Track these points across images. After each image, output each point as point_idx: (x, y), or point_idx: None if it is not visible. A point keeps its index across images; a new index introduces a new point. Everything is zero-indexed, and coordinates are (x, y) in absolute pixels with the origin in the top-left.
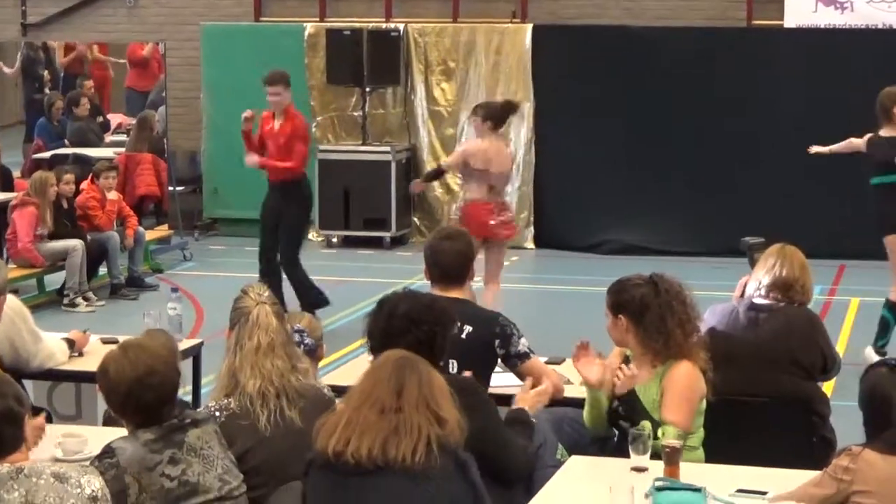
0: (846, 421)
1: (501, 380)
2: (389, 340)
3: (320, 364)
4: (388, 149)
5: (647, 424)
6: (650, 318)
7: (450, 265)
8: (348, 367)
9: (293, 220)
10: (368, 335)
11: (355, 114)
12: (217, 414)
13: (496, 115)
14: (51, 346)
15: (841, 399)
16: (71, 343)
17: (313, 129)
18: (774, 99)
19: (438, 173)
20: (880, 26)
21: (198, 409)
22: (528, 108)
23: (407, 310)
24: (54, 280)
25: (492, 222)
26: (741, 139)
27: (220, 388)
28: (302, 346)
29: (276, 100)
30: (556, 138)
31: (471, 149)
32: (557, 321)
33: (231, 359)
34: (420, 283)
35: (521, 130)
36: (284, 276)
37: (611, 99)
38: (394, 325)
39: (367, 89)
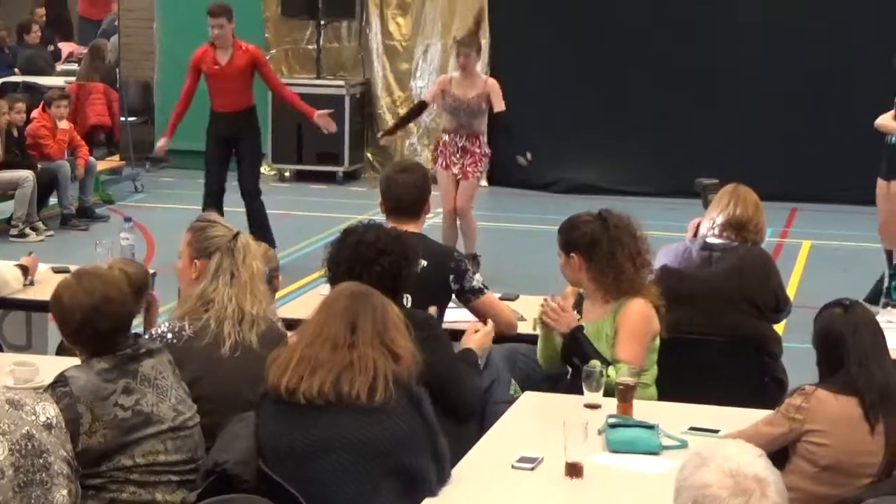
0: (796, 363)
1: (455, 315)
2: (355, 269)
3: (278, 294)
4: (342, 83)
5: (596, 362)
6: (600, 253)
7: (405, 198)
8: (301, 300)
9: (255, 150)
10: (332, 264)
11: (309, 47)
12: (169, 336)
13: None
14: (3, 273)
15: (791, 341)
16: (24, 270)
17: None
18: (731, 33)
19: (421, 108)
20: None
21: (148, 332)
22: (483, 45)
23: (374, 239)
24: (3, 209)
25: None
26: (697, 76)
27: (182, 313)
28: None
29: (220, 32)
30: (511, 76)
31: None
32: (511, 259)
33: (207, 285)
34: (373, 217)
35: (476, 68)
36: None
37: (567, 35)
38: (361, 254)
39: (322, 22)
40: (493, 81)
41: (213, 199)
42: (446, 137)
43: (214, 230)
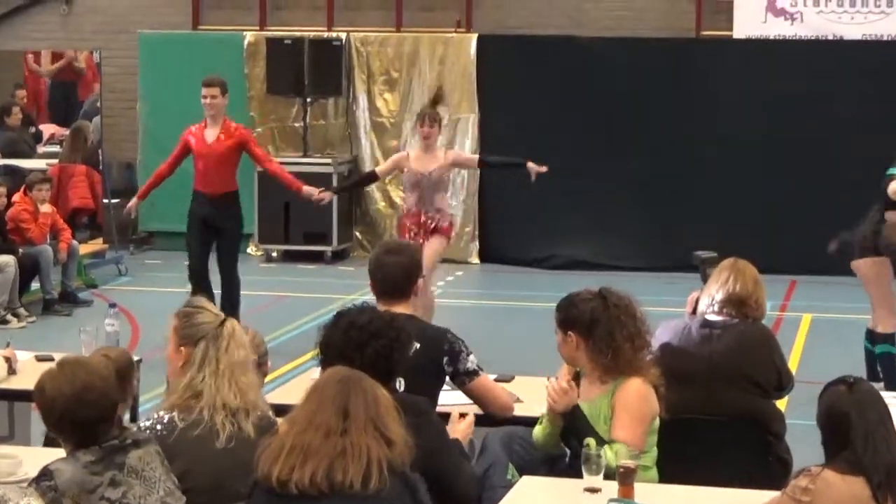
0: (800, 441)
1: (450, 398)
2: (347, 352)
3: (267, 379)
4: (329, 161)
5: (591, 441)
6: (599, 332)
7: (394, 279)
8: (291, 384)
9: (235, 236)
10: (324, 347)
11: (296, 125)
12: (158, 428)
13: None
14: None
15: (794, 418)
16: (7, 360)
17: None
18: (725, 111)
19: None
20: (830, 37)
21: (136, 424)
22: (472, 119)
23: (366, 322)
24: None
25: None
26: (691, 152)
27: (171, 404)
28: None
29: (213, 102)
30: (501, 151)
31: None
32: (505, 338)
33: (195, 374)
34: (363, 298)
35: (465, 142)
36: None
37: (558, 110)
38: (352, 337)
39: (308, 100)
40: (452, 151)
41: (198, 280)
42: (408, 219)
43: (201, 316)
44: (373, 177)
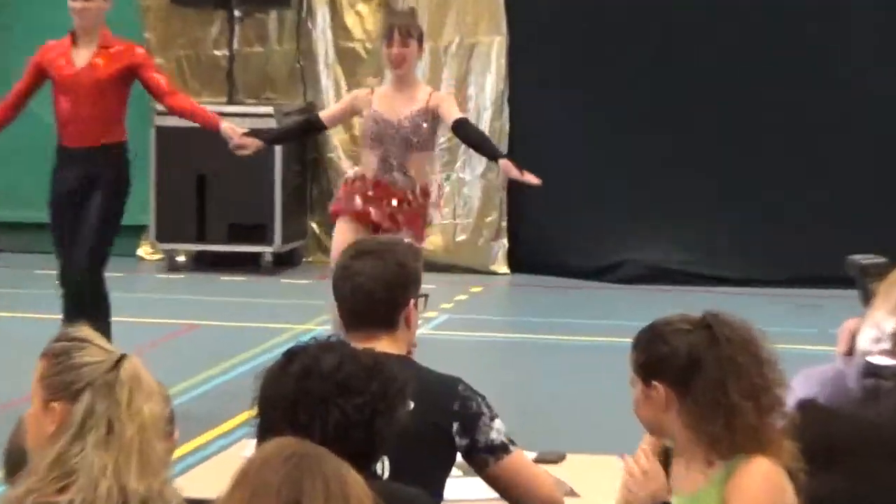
0: None
1: (462, 489)
2: (300, 416)
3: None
4: (269, 110)
5: None
6: (703, 383)
7: (370, 297)
8: (209, 465)
9: (109, 203)
10: (264, 406)
11: (217, 53)
12: None
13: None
14: None
15: None
16: None
17: None
18: (856, 63)
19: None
20: None
21: None
22: (496, 45)
23: (333, 368)
24: None
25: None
26: (809, 116)
27: (24, 493)
28: None
29: (87, 6)
30: (543, 96)
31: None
32: (549, 392)
33: (68, 444)
34: (324, 328)
35: (485, 80)
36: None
37: (637, 37)
38: (311, 392)
39: (237, 13)
40: (439, 93)
41: (76, 291)
42: (358, 190)
43: (83, 354)
44: (315, 123)
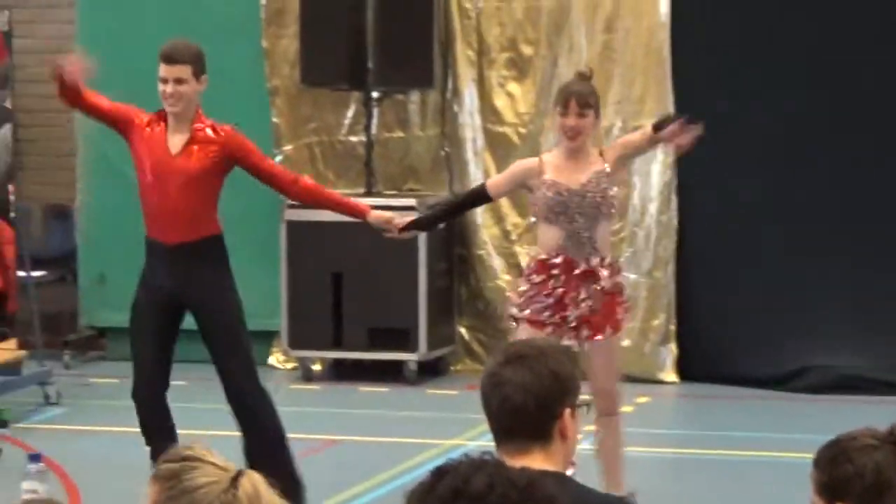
0: None
1: None
2: None
3: None
4: (412, 202)
5: None
6: None
7: (520, 409)
8: None
9: (231, 316)
10: None
11: (353, 139)
12: None
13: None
14: None
15: None
16: None
17: None
18: None
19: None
20: None
21: None
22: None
23: (484, 489)
24: None
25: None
26: None
27: None
28: None
29: (178, 90)
30: (715, 185)
31: None
32: None
33: None
34: (476, 443)
35: (651, 168)
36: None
37: (813, 109)
38: None
39: (375, 94)
40: (609, 147)
41: (150, 404)
42: (548, 260)
43: (197, 475)
44: (482, 193)
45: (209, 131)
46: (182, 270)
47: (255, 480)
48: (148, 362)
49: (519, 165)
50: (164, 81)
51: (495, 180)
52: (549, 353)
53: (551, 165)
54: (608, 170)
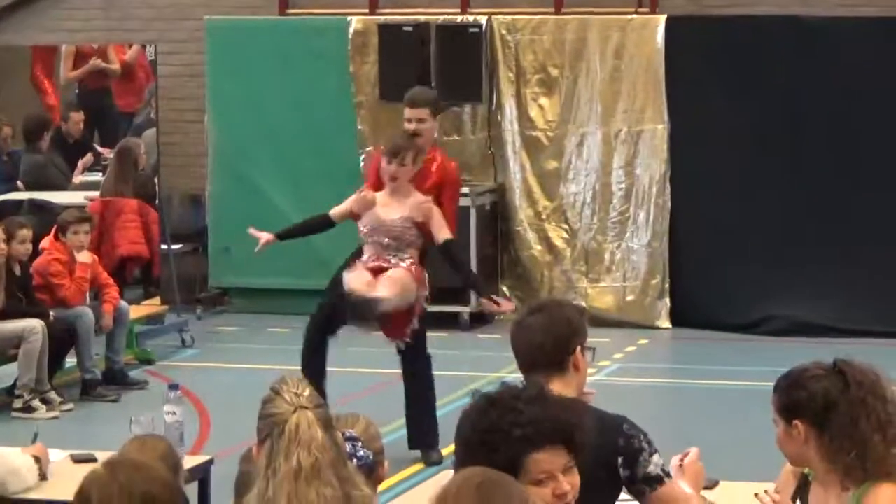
0: None
1: None
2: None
3: (379, 488)
4: (465, 190)
5: None
6: (837, 421)
7: (534, 346)
8: (416, 491)
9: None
10: (462, 442)
11: None
12: None
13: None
14: (12, 461)
15: None
16: (38, 460)
17: (360, 163)
18: None
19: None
20: None
21: None
22: (660, 132)
23: (538, 392)
24: (4, 374)
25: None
26: None
27: None
28: (355, 461)
29: (420, 128)
30: (699, 174)
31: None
32: (704, 429)
33: (262, 485)
34: (513, 376)
35: (650, 162)
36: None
37: (775, 119)
38: (501, 430)
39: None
40: (432, 207)
41: (312, 346)
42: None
43: (272, 405)
44: (326, 221)
45: (443, 164)
46: None
47: (300, 418)
48: (331, 307)
49: (361, 195)
50: (409, 121)
51: (338, 208)
52: (564, 305)
53: (381, 198)
54: (415, 215)
